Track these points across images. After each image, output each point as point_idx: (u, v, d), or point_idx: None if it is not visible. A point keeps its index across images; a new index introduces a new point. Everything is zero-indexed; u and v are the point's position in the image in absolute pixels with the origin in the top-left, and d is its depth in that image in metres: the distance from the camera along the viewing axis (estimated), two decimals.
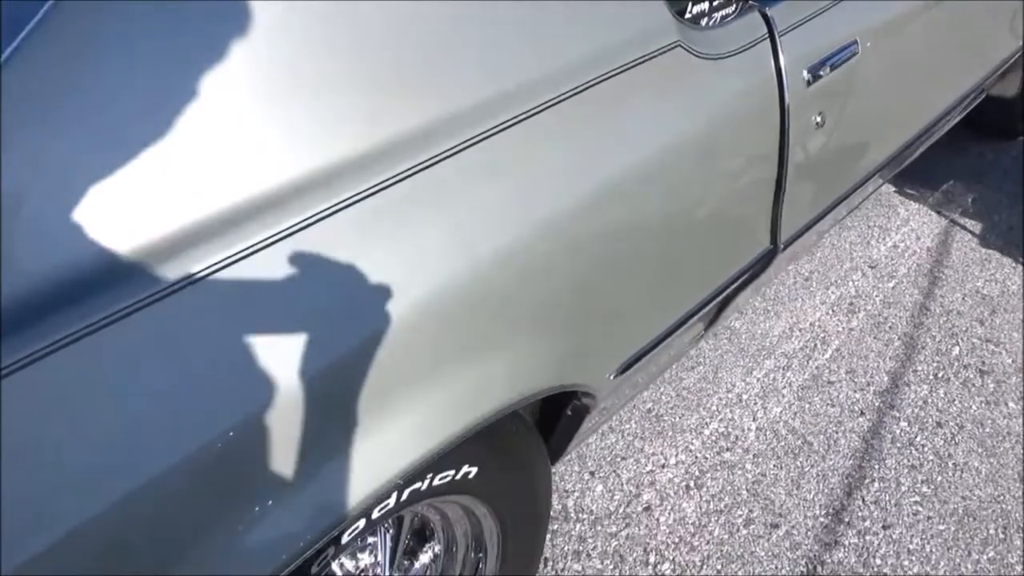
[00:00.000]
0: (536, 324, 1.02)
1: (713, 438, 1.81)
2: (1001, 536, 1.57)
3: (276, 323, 0.78)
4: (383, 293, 0.85)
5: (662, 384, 1.94)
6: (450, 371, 0.93)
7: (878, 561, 1.55)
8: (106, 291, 0.70)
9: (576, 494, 1.70)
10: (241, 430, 0.75)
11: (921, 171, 2.55)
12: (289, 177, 0.80)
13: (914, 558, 1.55)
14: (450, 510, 1.19)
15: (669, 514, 1.65)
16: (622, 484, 1.72)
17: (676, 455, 1.77)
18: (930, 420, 1.83)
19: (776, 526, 1.62)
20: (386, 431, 0.89)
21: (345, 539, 0.95)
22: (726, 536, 1.60)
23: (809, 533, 1.60)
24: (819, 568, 1.54)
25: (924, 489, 1.68)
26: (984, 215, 2.49)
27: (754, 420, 1.84)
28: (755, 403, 1.88)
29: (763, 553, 1.57)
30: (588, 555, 1.59)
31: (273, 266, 0.78)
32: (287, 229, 0.80)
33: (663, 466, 1.75)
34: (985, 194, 2.58)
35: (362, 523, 0.95)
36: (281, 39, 0.81)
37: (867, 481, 1.69)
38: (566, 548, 1.60)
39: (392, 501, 0.98)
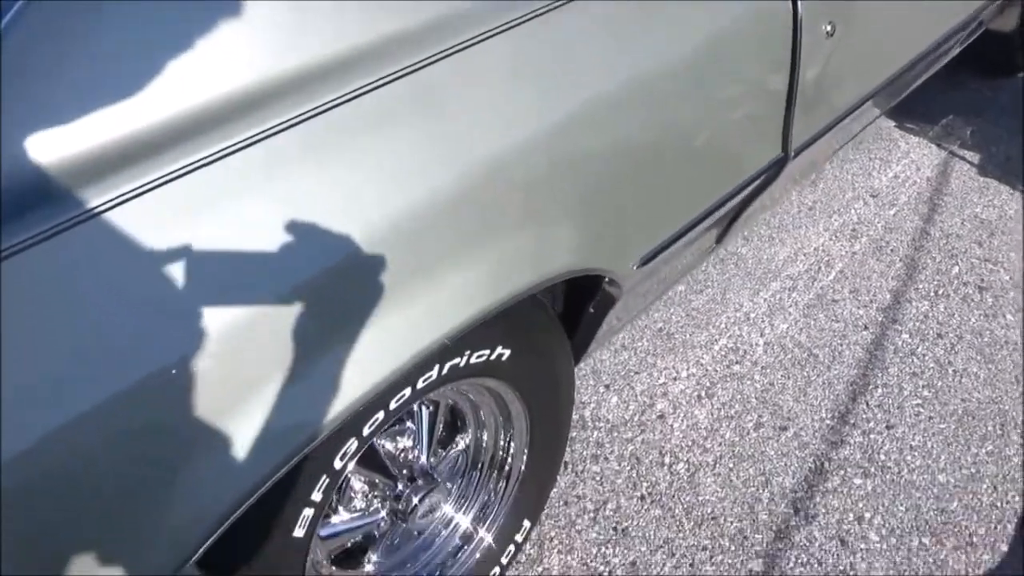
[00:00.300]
0: (559, 211, 1.07)
1: (723, 353, 1.88)
2: (999, 432, 1.65)
3: (303, 204, 0.82)
4: (403, 179, 0.89)
5: (671, 306, 2.00)
6: (477, 252, 0.98)
7: (882, 457, 1.63)
8: (109, 178, 0.72)
9: (592, 405, 1.77)
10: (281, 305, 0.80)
11: (920, 106, 2.60)
12: (273, 78, 0.81)
13: (916, 453, 1.63)
14: (481, 396, 1.26)
15: (682, 421, 1.72)
16: (636, 396, 1.79)
17: (687, 369, 1.84)
18: (931, 332, 1.90)
19: (785, 428, 1.69)
20: (419, 304, 0.94)
21: (393, 405, 1.01)
22: (737, 439, 1.68)
23: (816, 434, 1.68)
24: (826, 464, 1.62)
25: (925, 393, 1.75)
26: (983, 147, 2.55)
27: (762, 336, 1.91)
28: (762, 321, 1.95)
29: (773, 453, 1.65)
30: (606, 458, 1.66)
31: (290, 150, 0.82)
32: (286, 122, 0.82)
33: (675, 379, 1.82)
34: (983, 128, 2.64)
35: (408, 391, 1.02)
36: None
37: (871, 387, 1.77)
38: (584, 453, 1.67)
39: (434, 374, 1.04)
